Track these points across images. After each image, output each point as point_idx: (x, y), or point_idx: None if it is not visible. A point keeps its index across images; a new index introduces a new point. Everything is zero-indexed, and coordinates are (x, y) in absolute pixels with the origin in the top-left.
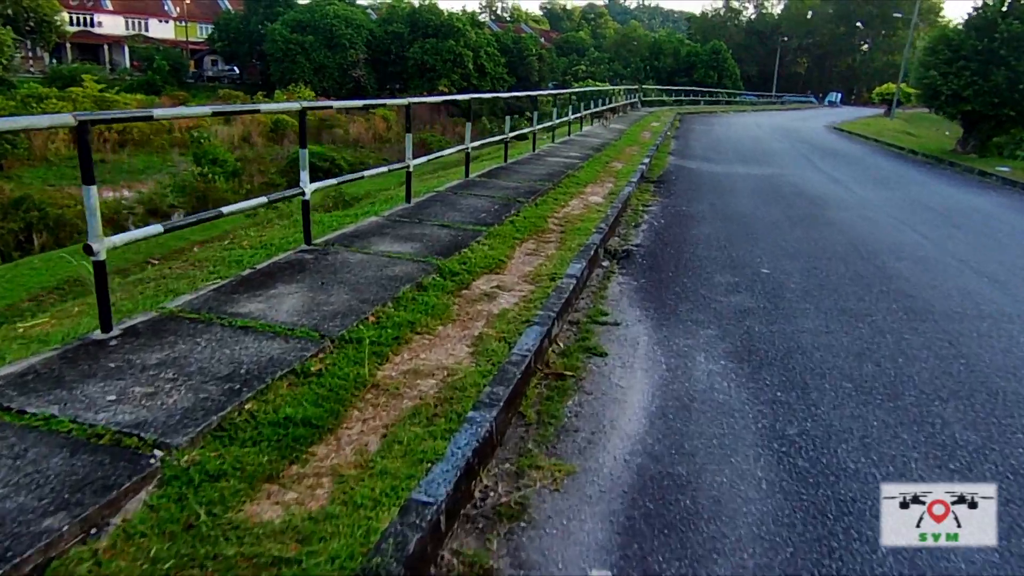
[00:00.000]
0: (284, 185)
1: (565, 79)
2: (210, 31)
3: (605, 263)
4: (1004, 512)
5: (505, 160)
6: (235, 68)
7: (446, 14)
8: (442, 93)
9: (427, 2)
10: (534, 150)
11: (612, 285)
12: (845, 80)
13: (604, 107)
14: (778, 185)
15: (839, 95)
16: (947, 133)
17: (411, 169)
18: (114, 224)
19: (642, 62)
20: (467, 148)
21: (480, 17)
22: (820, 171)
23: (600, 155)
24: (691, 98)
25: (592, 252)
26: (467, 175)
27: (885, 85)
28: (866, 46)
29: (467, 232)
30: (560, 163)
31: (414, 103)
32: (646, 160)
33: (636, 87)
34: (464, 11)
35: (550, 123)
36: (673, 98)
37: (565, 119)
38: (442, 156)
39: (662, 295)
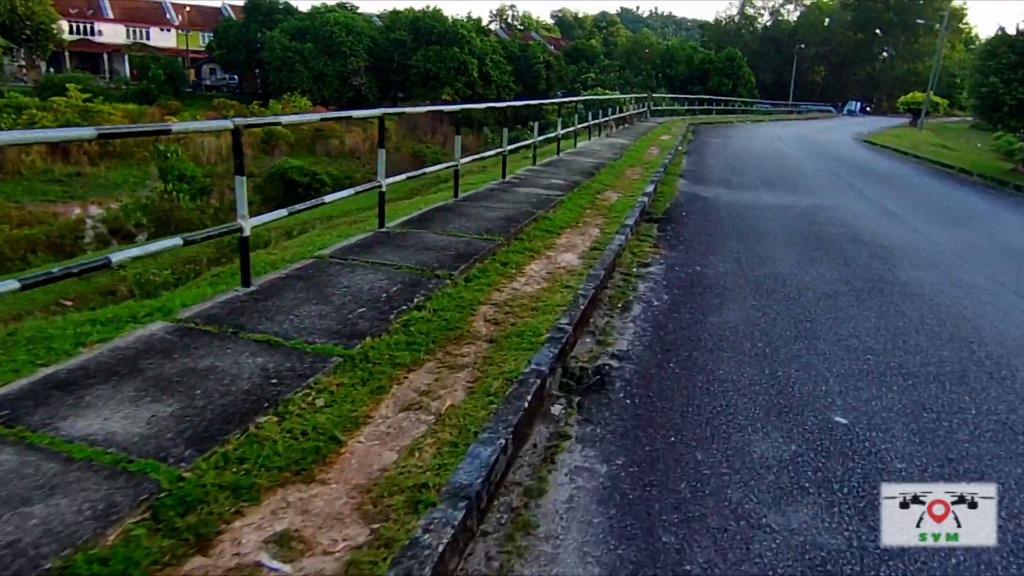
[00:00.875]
0: (257, 204)
1: (574, 87)
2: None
3: (557, 410)
4: None
5: (456, 194)
6: (235, 77)
7: (450, 21)
8: (445, 102)
9: (431, 8)
10: (504, 177)
11: (555, 488)
12: (864, 88)
13: (607, 118)
14: (821, 223)
15: (859, 104)
16: (979, 145)
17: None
18: (60, 250)
19: (654, 70)
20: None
21: (491, 25)
22: (867, 199)
23: (591, 181)
24: (704, 107)
25: (529, 398)
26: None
27: (911, 94)
28: (886, 54)
29: (287, 374)
30: (532, 197)
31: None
32: (650, 188)
33: (645, 95)
34: (469, 17)
35: (548, 135)
36: (685, 107)
37: (554, 134)
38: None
39: (653, 528)
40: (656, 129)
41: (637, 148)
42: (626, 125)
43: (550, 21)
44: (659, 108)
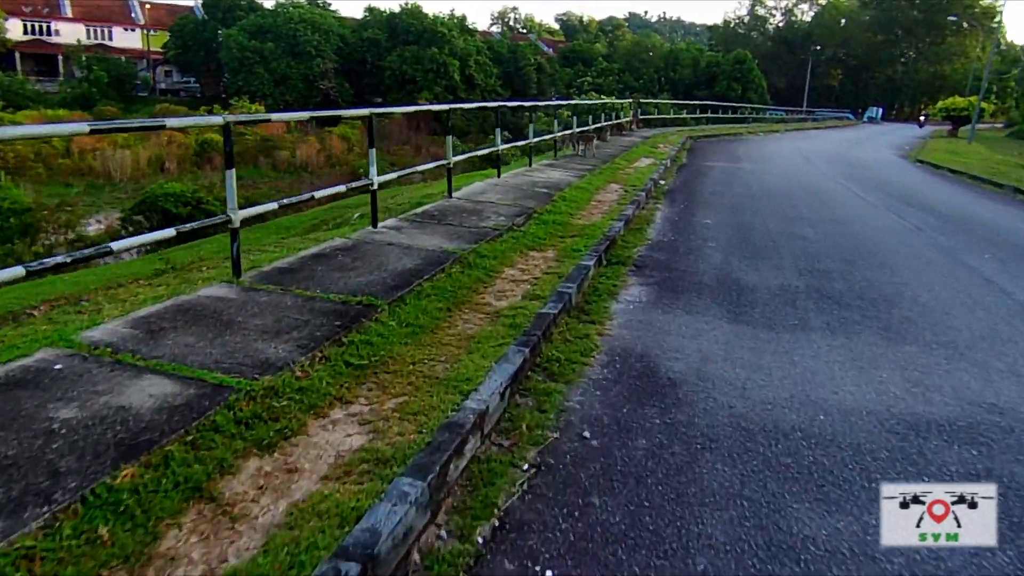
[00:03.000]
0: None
1: (569, 91)
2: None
3: None
4: None
5: None
6: (194, 80)
7: (430, 17)
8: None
9: (410, 4)
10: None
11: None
12: (884, 93)
13: (571, 130)
14: None
15: (880, 110)
16: None
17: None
18: None
19: (656, 73)
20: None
21: (492, 28)
22: None
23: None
24: (710, 115)
25: None
26: None
27: (951, 99)
28: (908, 56)
29: None
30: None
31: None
32: (510, 362)
33: (629, 101)
34: (452, 15)
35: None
36: (689, 114)
37: (492, 148)
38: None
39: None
40: (638, 148)
41: (585, 188)
42: (599, 142)
43: (555, 25)
44: (650, 116)
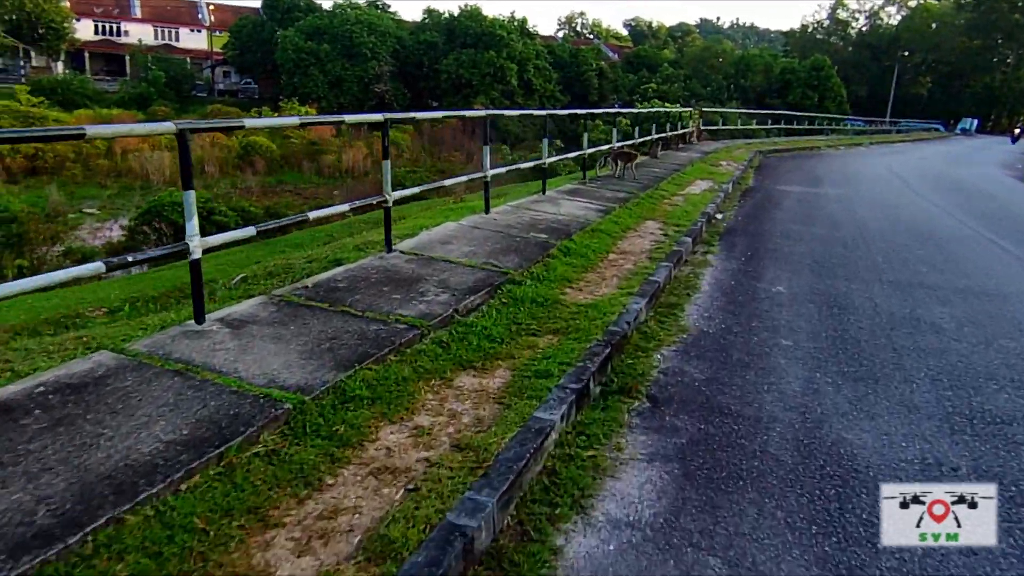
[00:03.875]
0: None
1: (632, 98)
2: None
3: None
4: None
5: None
6: (253, 81)
7: (489, 20)
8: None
9: (469, 6)
10: None
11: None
12: (980, 103)
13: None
14: None
15: (975, 122)
16: None
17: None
18: None
19: (725, 80)
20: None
21: (558, 34)
22: None
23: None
24: (783, 125)
25: None
26: None
27: None
28: (1008, 63)
29: None
30: None
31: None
32: None
33: (687, 110)
34: (513, 17)
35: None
36: (760, 124)
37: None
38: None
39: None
40: (694, 166)
41: (606, 230)
42: (645, 159)
43: (623, 31)
44: (715, 127)
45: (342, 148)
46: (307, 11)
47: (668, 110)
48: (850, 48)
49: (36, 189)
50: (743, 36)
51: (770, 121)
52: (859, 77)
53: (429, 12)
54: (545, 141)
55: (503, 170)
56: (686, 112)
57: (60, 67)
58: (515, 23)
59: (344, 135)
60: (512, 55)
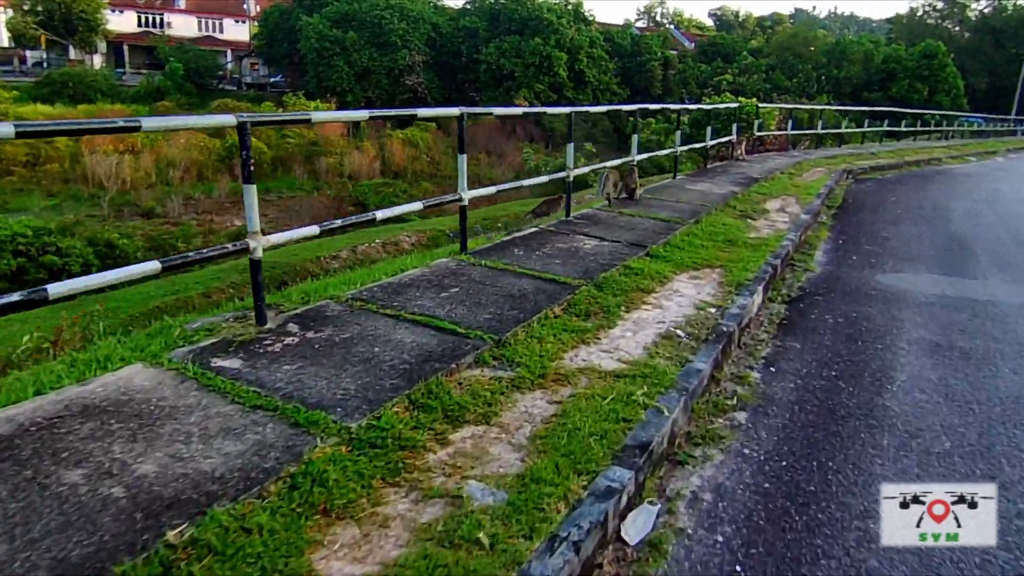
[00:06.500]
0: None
1: (703, 92)
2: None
3: None
4: None
5: None
6: (280, 73)
7: (536, 2)
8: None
9: None
10: None
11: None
12: None
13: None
14: None
15: None
16: None
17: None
18: None
19: (815, 71)
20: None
21: (637, 24)
22: None
23: None
24: (883, 125)
25: None
26: None
27: None
28: None
29: None
30: None
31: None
32: None
33: (736, 106)
34: (567, 0)
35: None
36: (852, 126)
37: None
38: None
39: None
40: (718, 214)
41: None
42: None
43: (708, 21)
44: (787, 131)
45: (345, 150)
46: None
47: (720, 106)
48: (967, 34)
49: None
50: (841, 27)
51: (868, 121)
52: (977, 67)
53: None
54: (570, 147)
55: (487, 191)
56: (764, 108)
57: (96, 61)
58: (568, 6)
59: (363, 134)
60: (561, 42)
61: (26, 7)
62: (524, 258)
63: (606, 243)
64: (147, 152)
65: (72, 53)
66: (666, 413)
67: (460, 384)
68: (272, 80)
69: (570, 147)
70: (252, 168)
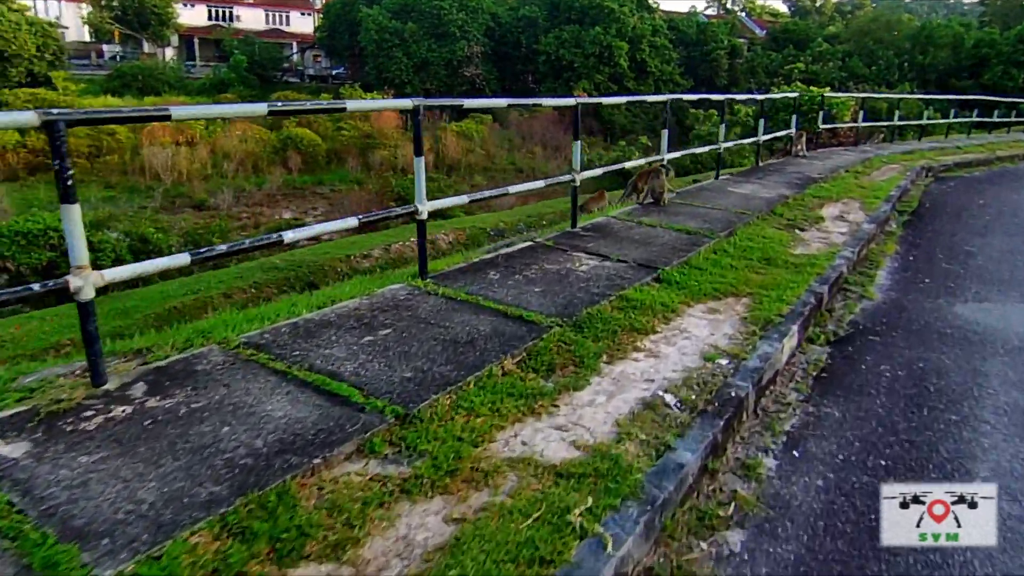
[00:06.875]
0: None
1: (773, 82)
2: None
3: None
4: None
5: None
6: (341, 65)
7: None
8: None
9: None
10: None
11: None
12: None
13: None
14: None
15: None
16: None
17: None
18: None
19: (896, 58)
20: None
21: (706, 11)
22: None
23: None
24: (971, 116)
25: None
26: None
27: None
28: None
29: None
30: None
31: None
32: None
33: (796, 95)
34: None
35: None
36: (937, 117)
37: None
38: None
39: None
40: (755, 224)
41: None
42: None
43: (782, 7)
44: (859, 123)
45: (398, 142)
46: None
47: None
48: None
49: (25, 190)
50: (928, 9)
51: (954, 111)
52: None
53: None
54: (577, 145)
55: (452, 201)
56: (837, 98)
57: (168, 54)
58: None
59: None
60: (623, 31)
61: (103, 2)
62: (497, 284)
63: (608, 263)
64: (203, 144)
65: (145, 47)
66: (609, 550)
67: (320, 490)
68: (334, 72)
69: (576, 145)
70: (71, 184)
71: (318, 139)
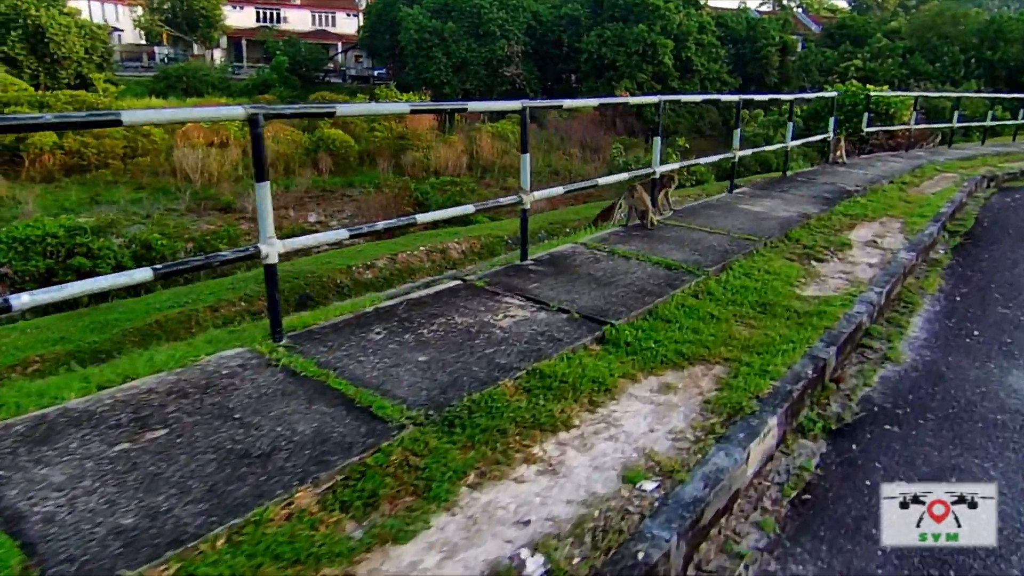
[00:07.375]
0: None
1: (827, 80)
2: None
3: None
4: None
5: None
6: (382, 65)
7: None
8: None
9: None
10: None
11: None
12: None
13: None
14: None
15: None
16: None
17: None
18: None
19: (962, 54)
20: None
21: (761, 7)
22: None
23: None
24: None
25: None
26: None
27: None
28: None
29: None
30: None
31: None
32: None
33: (896, 95)
34: None
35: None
36: (1007, 117)
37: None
38: None
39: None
40: (776, 244)
41: None
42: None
43: (841, 2)
44: (918, 124)
45: (431, 144)
46: None
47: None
48: None
49: (58, 191)
50: (1000, 4)
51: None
52: None
53: None
54: (526, 159)
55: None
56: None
57: (217, 55)
58: None
59: (457, 127)
60: (668, 29)
61: (153, 5)
62: (372, 350)
63: (543, 314)
64: (235, 145)
65: (195, 49)
66: None
67: None
68: (376, 72)
69: (525, 158)
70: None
71: (351, 140)
